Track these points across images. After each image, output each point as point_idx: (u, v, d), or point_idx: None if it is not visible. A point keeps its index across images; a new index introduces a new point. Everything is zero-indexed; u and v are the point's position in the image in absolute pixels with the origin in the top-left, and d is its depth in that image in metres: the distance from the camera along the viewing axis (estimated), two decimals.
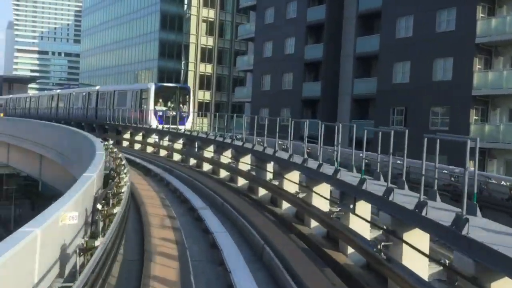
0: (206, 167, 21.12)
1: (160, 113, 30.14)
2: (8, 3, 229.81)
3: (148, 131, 28.93)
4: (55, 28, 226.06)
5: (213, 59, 74.83)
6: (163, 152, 26.01)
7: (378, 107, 34.70)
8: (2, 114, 46.12)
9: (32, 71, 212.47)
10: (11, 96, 68.48)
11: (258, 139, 19.11)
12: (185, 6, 74.16)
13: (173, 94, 32.33)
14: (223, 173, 19.24)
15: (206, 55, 75.21)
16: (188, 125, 30.46)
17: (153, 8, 73.75)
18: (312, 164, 12.94)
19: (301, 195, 13.12)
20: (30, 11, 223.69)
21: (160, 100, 31.81)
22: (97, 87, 40.34)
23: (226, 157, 19.59)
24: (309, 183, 12.96)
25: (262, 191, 15.43)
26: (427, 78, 31.11)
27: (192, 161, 22.44)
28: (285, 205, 13.75)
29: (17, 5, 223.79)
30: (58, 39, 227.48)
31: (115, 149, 15.19)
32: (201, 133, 24.17)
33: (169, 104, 32.10)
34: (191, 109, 33.46)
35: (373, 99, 35.19)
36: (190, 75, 72.49)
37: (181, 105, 32.15)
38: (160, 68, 71.89)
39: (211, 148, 21.43)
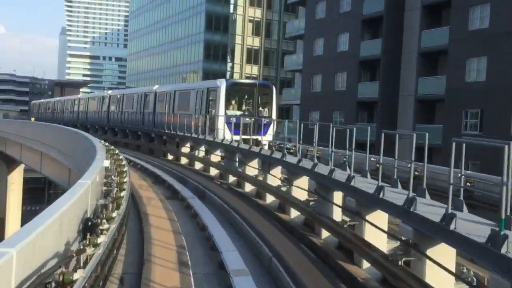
0: (249, 187, 16.74)
1: (234, 120, 21.63)
2: (61, 9, 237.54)
3: (211, 145, 21.46)
4: (106, 33, 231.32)
5: (260, 60, 71.94)
6: (198, 165, 22.18)
7: (447, 109, 30.31)
8: (33, 119, 43.86)
9: (84, 75, 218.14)
10: (58, 98, 63.33)
11: (311, 149, 15.37)
12: (231, 6, 71.72)
13: (250, 94, 24.18)
14: (270, 198, 14.66)
15: (252, 56, 72.48)
16: (268, 136, 22.52)
17: (198, 8, 71.75)
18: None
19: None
20: (82, 17, 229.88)
21: (233, 102, 23.98)
22: (155, 87, 32.36)
23: (275, 177, 15.14)
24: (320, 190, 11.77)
25: (325, 233, 10.87)
26: (508, 76, 26.57)
27: (232, 178, 18.42)
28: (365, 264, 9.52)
29: (70, 11, 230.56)
30: (108, 44, 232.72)
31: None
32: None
33: (244, 107, 24.30)
34: (274, 113, 24.50)
35: (441, 101, 30.83)
36: (236, 77, 69.82)
37: (260, 108, 24.17)
38: (205, 70, 69.70)
39: (255, 163, 17.48)
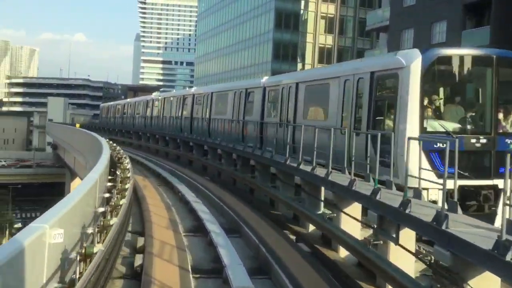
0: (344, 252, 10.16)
1: (448, 144, 7.57)
2: (136, 17, 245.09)
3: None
4: (177, 38, 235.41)
5: (333, 60, 66.46)
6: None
7: None
8: (78, 125, 40.97)
9: (157, 80, 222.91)
10: (128, 100, 52.58)
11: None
12: (302, 3, 66.94)
13: (479, 79, 11.61)
14: None
15: (324, 55, 67.16)
16: None
17: (267, 6, 67.62)
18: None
19: None
20: (155, 23, 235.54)
21: (439, 102, 10.97)
22: (264, 79, 20.61)
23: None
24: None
25: None
26: None
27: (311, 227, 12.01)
28: None
29: (144, 17, 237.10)
30: (180, 49, 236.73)
31: None
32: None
33: (463, 111, 11.16)
34: None
35: None
36: None
37: (502, 113, 10.91)
38: (273, 71, 65.19)
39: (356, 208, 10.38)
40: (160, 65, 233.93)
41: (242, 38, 74.89)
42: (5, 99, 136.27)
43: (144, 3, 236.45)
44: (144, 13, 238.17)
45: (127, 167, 13.01)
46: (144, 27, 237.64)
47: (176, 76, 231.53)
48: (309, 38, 67.23)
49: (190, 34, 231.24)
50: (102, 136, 22.41)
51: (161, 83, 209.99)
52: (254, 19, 71.36)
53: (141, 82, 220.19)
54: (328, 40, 68.01)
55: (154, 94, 39.48)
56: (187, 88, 35.93)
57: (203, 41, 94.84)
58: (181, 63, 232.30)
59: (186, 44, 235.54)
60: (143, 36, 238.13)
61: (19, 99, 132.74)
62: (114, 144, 21.01)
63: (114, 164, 13.69)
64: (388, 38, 38.18)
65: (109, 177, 10.95)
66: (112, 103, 58.37)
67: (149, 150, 32.92)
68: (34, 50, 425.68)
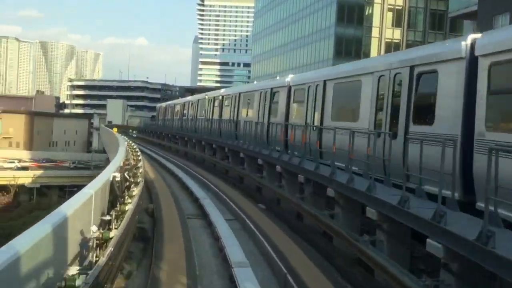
0: None
1: None
2: (195, 19, 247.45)
3: None
4: (235, 40, 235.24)
5: None
6: None
7: None
8: (115, 130, 37.93)
9: (215, 81, 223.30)
10: (189, 98, 43.21)
11: None
12: None
13: None
14: None
15: (391, 51, 61.34)
16: None
17: None
18: None
19: None
20: (213, 25, 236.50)
21: None
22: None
23: None
24: None
25: None
26: None
27: None
28: None
29: (202, 19, 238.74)
30: (237, 50, 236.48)
31: None
32: None
33: None
34: None
35: None
36: None
37: None
38: None
39: None
40: (218, 67, 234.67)
41: (301, 35, 70.48)
42: (67, 102, 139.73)
43: (203, 5, 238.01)
44: (202, 15, 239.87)
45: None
46: (202, 29, 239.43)
47: (233, 77, 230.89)
48: (375, 32, 61.90)
49: (247, 35, 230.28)
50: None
51: (218, 84, 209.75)
52: (314, 13, 66.76)
53: (198, 83, 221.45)
54: (395, 34, 62.38)
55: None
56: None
57: (259, 39, 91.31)
58: (238, 64, 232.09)
59: (243, 45, 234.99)
60: (201, 38, 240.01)
61: (81, 101, 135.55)
62: (137, 149, 21.65)
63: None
64: (476, 26, 32.34)
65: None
66: (191, 98, 47.07)
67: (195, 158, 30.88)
68: (98, 54, 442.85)
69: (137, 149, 22.93)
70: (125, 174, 11.39)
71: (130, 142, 25.72)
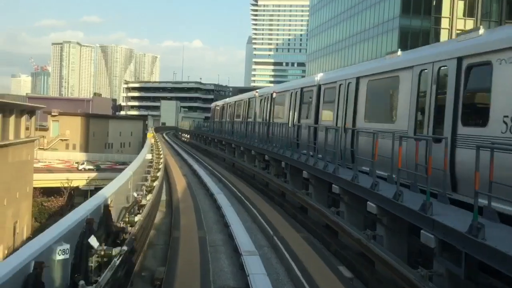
0: None
1: None
2: (249, 20, 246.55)
3: None
4: (288, 39, 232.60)
5: None
6: None
7: None
8: (150, 135, 34.56)
9: (269, 82, 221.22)
10: (251, 93, 31.64)
11: None
12: None
13: None
14: None
15: None
16: None
17: None
18: None
19: None
20: (266, 25, 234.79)
21: None
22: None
23: None
24: None
25: None
26: None
27: None
28: None
29: (255, 19, 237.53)
30: (291, 49, 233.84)
31: None
32: None
33: None
34: None
35: None
36: None
37: None
38: None
39: None
40: (271, 67, 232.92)
41: (361, 29, 65.81)
42: (123, 104, 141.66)
43: (256, 5, 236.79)
44: (256, 15, 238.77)
45: None
46: (256, 29, 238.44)
47: (287, 77, 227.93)
48: (444, 23, 56.43)
49: (301, 34, 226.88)
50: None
51: (272, 84, 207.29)
52: (375, 5, 61.96)
53: (252, 84, 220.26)
54: (467, 25, 56.56)
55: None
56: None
57: (315, 36, 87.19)
58: (292, 64, 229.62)
59: (298, 45, 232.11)
60: (255, 39, 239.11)
61: (136, 103, 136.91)
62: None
63: None
64: None
65: None
66: (229, 99, 40.32)
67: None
68: (156, 57, 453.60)
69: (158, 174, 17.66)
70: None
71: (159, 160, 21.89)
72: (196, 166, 27.78)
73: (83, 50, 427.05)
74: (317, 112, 16.94)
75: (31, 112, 57.77)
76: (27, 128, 55.68)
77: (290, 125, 19.13)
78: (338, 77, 15.49)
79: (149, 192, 13.30)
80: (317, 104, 16.93)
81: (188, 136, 63.86)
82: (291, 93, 20.12)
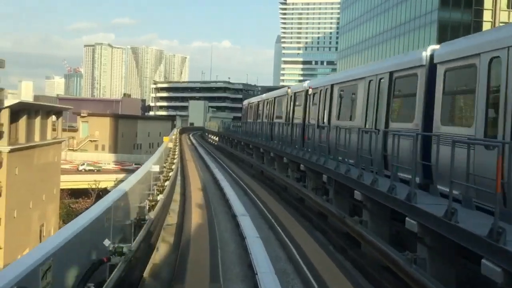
0: None
1: None
2: (277, 19, 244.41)
3: None
4: (318, 38, 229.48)
5: None
6: None
7: None
8: (166, 139, 32.53)
9: (298, 81, 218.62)
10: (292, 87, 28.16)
11: None
12: None
13: None
14: None
15: None
16: None
17: None
18: None
19: None
20: (295, 24, 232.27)
21: None
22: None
23: None
24: None
25: None
26: None
27: None
28: None
29: (284, 18, 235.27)
30: (320, 48, 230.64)
31: None
32: None
33: None
34: None
35: None
36: None
37: None
38: None
39: None
40: (301, 66, 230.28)
41: (396, 23, 62.81)
42: (152, 104, 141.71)
43: (285, 3, 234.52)
44: (284, 14, 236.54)
45: None
46: (284, 28, 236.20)
47: (316, 76, 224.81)
48: (487, 16, 53.08)
49: (330, 32, 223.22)
50: None
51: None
52: None
53: (281, 83, 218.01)
54: None
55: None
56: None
57: (346, 32, 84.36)
58: (322, 62, 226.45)
59: (327, 43, 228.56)
60: (284, 38, 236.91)
61: (164, 104, 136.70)
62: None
63: None
64: None
65: None
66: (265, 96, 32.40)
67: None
68: (185, 58, 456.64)
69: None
70: None
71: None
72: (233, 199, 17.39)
73: (114, 51, 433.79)
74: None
75: (58, 113, 57.28)
76: (54, 129, 55.19)
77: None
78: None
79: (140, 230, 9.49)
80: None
81: (216, 138, 56.61)
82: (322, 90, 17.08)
